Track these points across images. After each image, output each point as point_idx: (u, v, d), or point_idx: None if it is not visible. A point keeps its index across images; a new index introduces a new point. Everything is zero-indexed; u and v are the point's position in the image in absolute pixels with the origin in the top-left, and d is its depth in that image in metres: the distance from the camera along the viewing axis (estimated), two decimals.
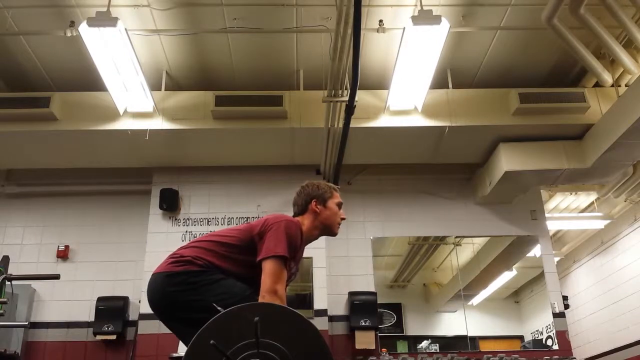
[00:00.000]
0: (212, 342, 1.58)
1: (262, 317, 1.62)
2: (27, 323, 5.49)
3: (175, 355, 5.08)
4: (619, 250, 7.57)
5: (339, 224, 2.40)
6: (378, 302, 5.82)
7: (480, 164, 6.27)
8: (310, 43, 5.32)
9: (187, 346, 2.06)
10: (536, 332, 6.41)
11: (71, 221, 6.23)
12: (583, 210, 7.53)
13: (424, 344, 6.28)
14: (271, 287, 2.02)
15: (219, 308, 1.93)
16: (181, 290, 2.07)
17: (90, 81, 5.35)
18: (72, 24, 4.77)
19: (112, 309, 5.64)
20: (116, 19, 4.36)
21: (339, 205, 2.40)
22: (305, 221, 2.33)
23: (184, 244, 2.30)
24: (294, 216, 2.37)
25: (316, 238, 2.40)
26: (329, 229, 2.37)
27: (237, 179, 6.22)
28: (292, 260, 2.17)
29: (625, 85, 5.45)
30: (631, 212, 7.23)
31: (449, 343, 6.25)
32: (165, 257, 2.21)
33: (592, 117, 5.54)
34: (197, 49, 5.41)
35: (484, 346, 6.10)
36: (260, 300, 2.01)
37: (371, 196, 6.39)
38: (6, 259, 3.54)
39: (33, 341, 5.68)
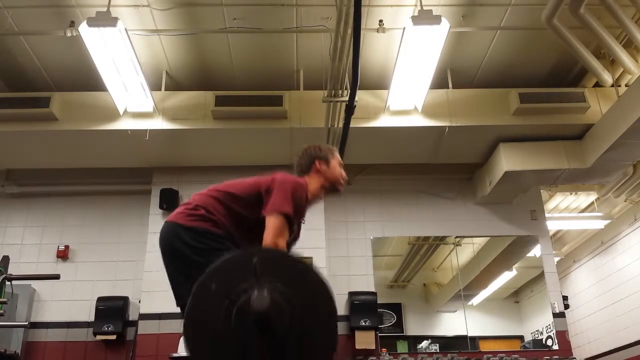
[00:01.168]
0: (213, 286, 1.61)
1: (260, 260, 1.64)
2: (27, 323, 5.49)
3: (175, 355, 5.08)
4: (619, 250, 7.57)
5: (343, 183, 2.48)
6: (378, 302, 5.82)
7: (480, 164, 6.27)
8: (310, 43, 5.32)
9: (177, 300, 2.12)
10: (536, 332, 6.41)
11: (71, 221, 6.23)
12: (583, 210, 7.53)
13: (424, 344, 6.28)
14: (272, 240, 2.05)
15: None
16: (188, 245, 2.11)
17: (90, 81, 5.35)
18: (72, 24, 4.77)
19: (112, 309, 5.64)
20: (116, 19, 4.36)
21: (340, 165, 2.49)
22: (311, 181, 2.39)
23: None
24: (298, 174, 2.43)
25: (321, 198, 2.46)
26: (334, 187, 2.45)
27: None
28: (295, 221, 2.21)
29: (625, 85, 5.45)
30: (631, 212, 7.23)
31: (449, 343, 6.26)
32: (181, 205, 2.26)
33: (592, 117, 5.54)
34: (197, 49, 5.41)
35: (484, 346, 6.10)
36: None
37: (371, 196, 6.38)
38: (6, 259, 3.54)
39: (33, 341, 5.68)
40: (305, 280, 1.72)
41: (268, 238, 2.06)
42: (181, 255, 2.12)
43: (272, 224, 2.09)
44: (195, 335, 1.64)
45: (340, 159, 2.50)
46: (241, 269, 1.66)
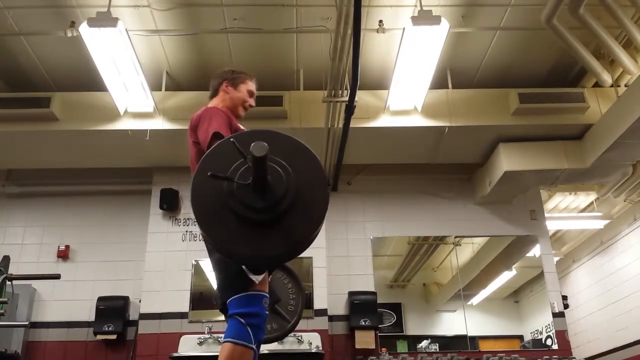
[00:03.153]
0: (209, 173, 1.72)
1: (236, 139, 1.76)
2: (27, 323, 5.50)
3: (175, 354, 5.09)
4: (619, 250, 7.58)
5: (245, 108, 2.56)
6: (378, 301, 5.83)
7: (480, 164, 6.28)
8: (310, 43, 5.33)
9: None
10: (536, 332, 6.42)
11: (72, 221, 6.24)
12: (582, 210, 7.53)
13: (424, 343, 6.29)
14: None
15: None
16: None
17: (91, 81, 5.35)
18: (73, 24, 4.77)
19: (112, 309, 5.65)
20: (116, 19, 4.36)
21: (250, 93, 2.56)
22: (217, 101, 2.51)
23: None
24: (210, 98, 2.58)
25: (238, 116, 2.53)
26: (234, 109, 2.51)
27: None
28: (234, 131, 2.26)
29: (625, 86, 5.46)
30: (630, 212, 7.24)
31: (448, 343, 6.26)
32: None
33: (592, 117, 5.55)
34: (198, 49, 5.42)
35: (484, 346, 6.11)
36: None
37: (371, 196, 6.40)
38: (7, 258, 3.55)
39: (33, 341, 5.69)
40: (284, 144, 1.84)
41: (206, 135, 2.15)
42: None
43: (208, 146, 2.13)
44: (203, 212, 1.77)
45: (252, 87, 2.57)
46: (226, 153, 1.78)
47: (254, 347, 1.97)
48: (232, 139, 1.75)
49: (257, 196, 1.73)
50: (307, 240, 1.79)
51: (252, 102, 2.56)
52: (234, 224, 1.74)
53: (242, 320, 1.97)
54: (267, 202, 1.73)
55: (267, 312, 2.06)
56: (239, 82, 2.55)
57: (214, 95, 2.57)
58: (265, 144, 1.63)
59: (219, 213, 1.74)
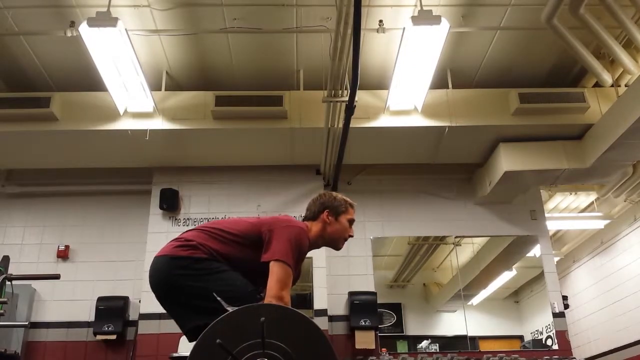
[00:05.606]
0: (218, 341, 1.59)
1: (268, 318, 1.64)
2: (27, 323, 5.49)
3: (175, 355, 5.08)
4: (619, 250, 7.57)
5: (345, 240, 2.39)
6: (378, 302, 5.83)
7: (480, 164, 6.27)
8: (310, 43, 5.33)
9: (182, 330, 2.09)
10: (536, 332, 6.42)
11: (71, 221, 6.23)
12: (583, 210, 7.53)
13: (424, 343, 6.29)
14: (278, 292, 2.00)
15: (218, 298, 1.95)
16: (184, 274, 2.07)
17: (91, 81, 5.35)
18: (73, 24, 4.78)
19: (112, 309, 5.65)
20: (116, 19, 4.36)
21: (351, 222, 2.38)
22: (313, 228, 2.33)
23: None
24: (303, 220, 2.37)
25: (319, 247, 2.39)
26: (333, 243, 2.37)
27: (237, 179, 6.22)
28: (295, 269, 2.16)
29: (625, 85, 5.46)
30: (631, 212, 7.23)
31: (448, 343, 6.26)
32: (169, 241, 2.20)
33: (592, 117, 5.55)
34: (197, 49, 5.42)
35: (484, 346, 6.10)
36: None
37: (371, 196, 6.39)
38: (6, 258, 3.54)
39: (33, 341, 5.69)
40: (310, 341, 1.72)
41: (273, 290, 2.00)
42: (176, 284, 2.07)
43: (276, 273, 2.03)
44: None
45: (353, 215, 2.40)
46: (249, 326, 1.67)
47: None
48: (218, 341, 1.61)
49: None
50: None
51: (352, 232, 2.38)
52: None
53: None
54: None
55: None
56: (341, 212, 2.35)
57: (311, 218, 2.36)
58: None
59: None
